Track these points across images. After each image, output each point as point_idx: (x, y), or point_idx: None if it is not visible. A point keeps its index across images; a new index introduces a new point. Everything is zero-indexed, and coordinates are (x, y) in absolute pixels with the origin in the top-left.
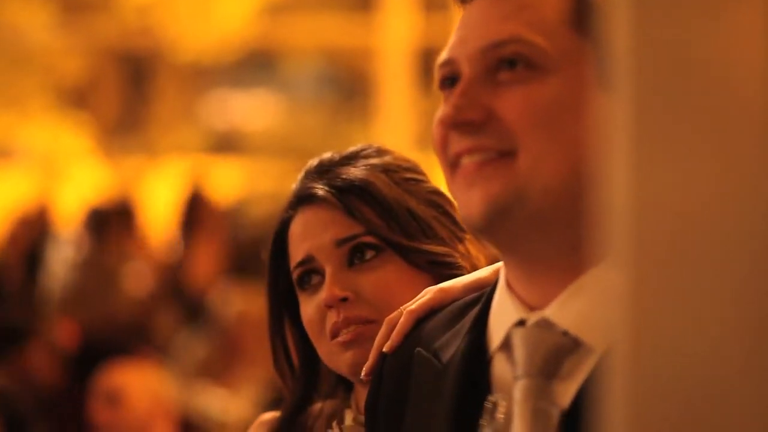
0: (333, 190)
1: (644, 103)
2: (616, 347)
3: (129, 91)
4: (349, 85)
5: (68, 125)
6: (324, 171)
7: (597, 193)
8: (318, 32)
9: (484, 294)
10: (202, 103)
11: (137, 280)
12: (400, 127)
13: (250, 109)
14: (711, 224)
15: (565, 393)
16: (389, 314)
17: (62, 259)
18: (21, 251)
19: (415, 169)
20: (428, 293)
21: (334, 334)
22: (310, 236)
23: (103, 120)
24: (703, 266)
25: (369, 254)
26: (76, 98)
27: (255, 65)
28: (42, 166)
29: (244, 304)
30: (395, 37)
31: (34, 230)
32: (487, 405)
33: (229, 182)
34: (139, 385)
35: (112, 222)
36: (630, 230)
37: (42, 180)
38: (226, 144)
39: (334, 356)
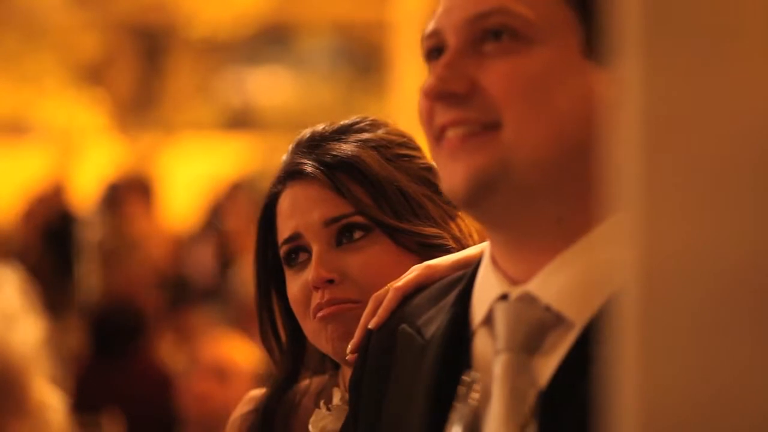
0: (322, 167)
1: (655, 64)
2: (625, 288)
3: (144, 67)
4: (363, 60)
5: (84, 102)
6: (314, 145)
7: (606, 137)
8: (332, 7)
9: (469, 270)
10: (217, 78)
11: (153, 256)
12: (415, 102)
13: (265, 85)
14: (724, 164)
15: (545, 368)
16: None
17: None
18: (37, 229)
19: (408, 144)
20: (415, 270)
21: (317, 314)
22: (298, 213)
23: (119, 96)
24: (715, 203)
25: (357, 234)
26: (92, 75)
27: (269, 40)
28: (58, 143)
29: None
30: (409, 11)
31: (50, 208)
32: (461, 388)
33: (244, 158)
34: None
35: (128, 198)
36: (641, 171)
37: (58, 157)
38: (241, 119)
39: (317, 334)
